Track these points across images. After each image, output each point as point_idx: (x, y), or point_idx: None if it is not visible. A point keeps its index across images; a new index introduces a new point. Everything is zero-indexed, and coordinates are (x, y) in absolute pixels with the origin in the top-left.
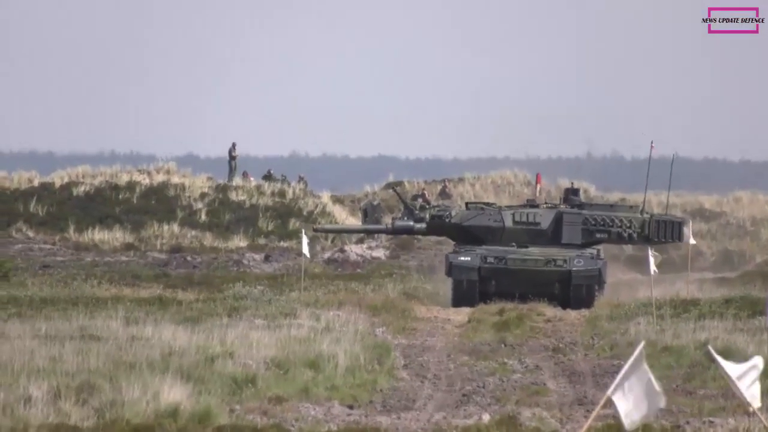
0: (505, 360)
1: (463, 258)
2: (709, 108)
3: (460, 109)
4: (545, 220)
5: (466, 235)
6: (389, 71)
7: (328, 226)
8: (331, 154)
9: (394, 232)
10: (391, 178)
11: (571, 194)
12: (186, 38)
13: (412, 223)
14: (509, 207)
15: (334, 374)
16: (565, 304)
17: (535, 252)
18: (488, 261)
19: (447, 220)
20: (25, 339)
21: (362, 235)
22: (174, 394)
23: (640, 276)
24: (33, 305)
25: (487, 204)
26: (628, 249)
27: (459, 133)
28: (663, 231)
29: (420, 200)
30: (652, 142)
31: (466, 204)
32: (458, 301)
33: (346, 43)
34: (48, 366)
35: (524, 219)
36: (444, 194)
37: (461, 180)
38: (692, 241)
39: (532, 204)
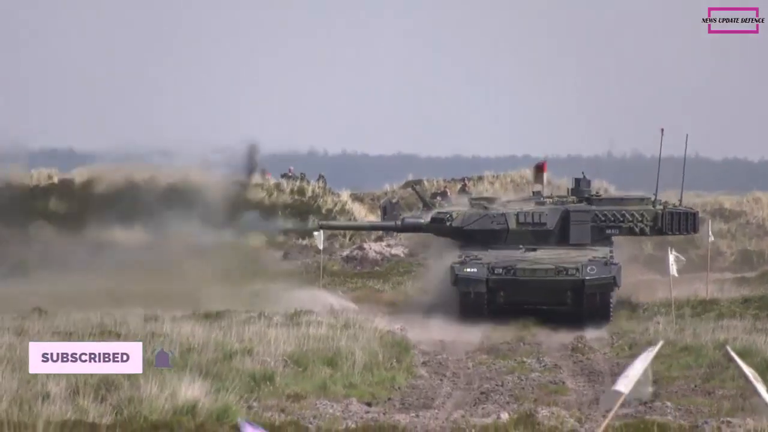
0: (524, 358)
1: (469, 269)
2: (730, 108)
3: (480, 107)
4: (551, 219)
5: (468, 238)
6: (409, 69)
7: (334, 222)
8: (351, 152)
9: (403, 229)
10: (410, 177)
11: (580, 185)
12: (206, 36)
13: (421, 220)
14: (511, 201)
15: (352, 372)
16: (578, 313)
17: (544, 260)
18: (496, 272)
19: (448, 223)
20: (44, 335)
21: (381, 232)
22: (192, 391)
23: (660, 276)
24: (53, 303)
25: (489, 200)
26: (648, 248)
27: (479, 131)
28: (677, 223)
29: (439, 198)
30: (662, 130)
31: (469, 200)
32: (466, 314)
33: (366, 40)
34: None
35: (529, 219)
36: (464, 193)
37: (480, 178)
38: (711, 238)
39: (537, 199)
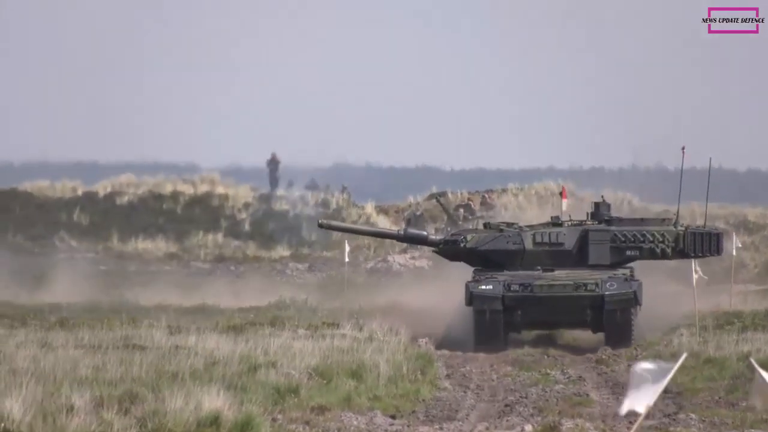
0: (548, 371)
1: (484, 287)
2: (753, 119)
3: (505, 119)
4: (569, 239)
5: (483, 260)
6: (433, 80)
7: (335, 223)
8: (375, 164)
9: (405, 239)
10: (434, 189)
11: (600, 209)
12: (228, 48)
13: (424, 233)
14: (530, 227)
15: (376, 384)
16: (598, 331)
17: (562, 276)
18: (512, 289)
19: (462, 245)
20: (68, 348)
21: (405, 245)
22: (216, 403)
23: (683, 288)
24: (76, 314)
25: (508, 224)
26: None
27: (503, 143)
28: (700, 244)
29: (463, 210)
30: (683, 148)
31: (484, 225)
32: (482, 337)
33: (389, 52)
34: (91, 375)
35: (546, 240)
36: (486, 205)
37: (504, 191)
38: (738, 246)
39: (555, 222)
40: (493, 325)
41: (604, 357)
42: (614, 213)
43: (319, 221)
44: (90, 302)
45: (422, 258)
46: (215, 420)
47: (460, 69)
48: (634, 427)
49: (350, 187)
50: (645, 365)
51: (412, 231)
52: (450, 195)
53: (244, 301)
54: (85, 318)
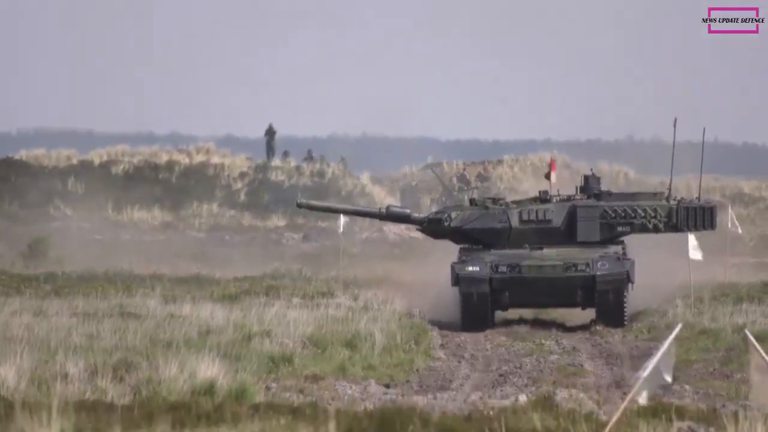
0: (543, 341)
1: (471, 268)
2: (750, 94)
3: (501, 90)
4: (557, 216)
5: (468, 239)
6: (428, 51)
7: (314, 203)
8: (371, 134)
9: (388, 218)
10: (430, 160)
11: (589, 182)
12: (224, 18)
13: (408, 211)
14: (517, 203)
15: (370, 353)
16: (588, 308)
17: (552, 256)
18: (500, 270)
19: (446, 223)
20: (62, 316)
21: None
22: (211, 371)
23: (678, 260)
24: (71, 283)
25: (494, 200)
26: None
27: (500, 114)
28: (693, 219)
29: (457, 181)
30: (675, 120)
31: (470, 201)
32: (469, 319)
33: (386, 22)
34: (85, 343)
35: (533, 217)
36: (482, 177)
37: (500, 162)
38: (739, 231)
39: (543, 198)
40: (481, 307)
41: (599, 328)
42: (610, 186)
43: (298, 201)
44: (85, 271)
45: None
46: (210, 388)
47: (459, 39)
48: (628, 397)
49: (346, 157)
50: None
51: (395, 209)
52: (446, 166)
53: (239, 271)
54: (80, 286)
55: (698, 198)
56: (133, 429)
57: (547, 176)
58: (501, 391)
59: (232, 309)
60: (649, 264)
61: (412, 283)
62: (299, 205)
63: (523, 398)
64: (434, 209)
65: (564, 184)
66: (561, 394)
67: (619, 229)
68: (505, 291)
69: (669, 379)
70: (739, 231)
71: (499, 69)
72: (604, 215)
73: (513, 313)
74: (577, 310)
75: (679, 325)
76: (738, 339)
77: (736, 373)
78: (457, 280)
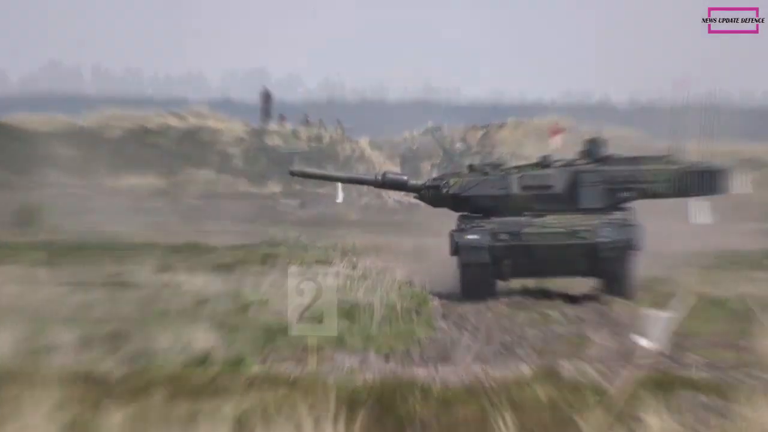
0: (547, 311)
1: (470, 236)
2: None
3: (505, 50)
4: (558, 181)
5: (467, 206)
6: (432, 11)
7: (308, 170)
8: (370, 98)
9: (384, 185)
10: (430, 123)
11: (593, 147)
12: None
13: (405, 177)
14: (517, 168)
15: (369, 324)
16: (593, 277)
17: (554, 223)
18: (500, 238)
19: (444, 190)
20: (54, 285)
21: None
22: (206, 342)
23: (686, 226)
24: (63, 251)
25: (494, 166)
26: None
27: (503, 76)
28: (699, 183)
29: (459, 145)
30: (680, 82)
31: (469, 167)
32: (469, 289)
33: None
34: (78, 313)
35: (534, 183)
36: (484, 140)
37: (503, 125)
38: (749, 190)
39: (544, 163)
40: (481, 276)
41: (605, 298)
42: (618, 150)
43: (290, 169)
44: (77, 238)
45: None
46: (205, 359)
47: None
48: (632, 366)
49: (344, 122)
50: (660, 313)
51: (391, 176)
52: (447, 129)
53: (235, 238)
54: (72, 255)
55: (706, 161)
56: (128, 400)
57: (554, 135)
58: (504, 362)
59: (228, 278)
60: (658, 231)
61: (412, 251)
62: (292, 173)
63: (526, 369)
64: (435, 174)
65: (570, 148)
66: (565, 365)
67: (624, 194)
68: (505, 260)
69: (664, 344)
70: (748, 184)
71: (502, 29)
72: (607, 180)
73: (516, 284)
74: (584, 280)
75: (686, 293)
76: (744, 307)
77: (741, 341)
78: (456, 248)
